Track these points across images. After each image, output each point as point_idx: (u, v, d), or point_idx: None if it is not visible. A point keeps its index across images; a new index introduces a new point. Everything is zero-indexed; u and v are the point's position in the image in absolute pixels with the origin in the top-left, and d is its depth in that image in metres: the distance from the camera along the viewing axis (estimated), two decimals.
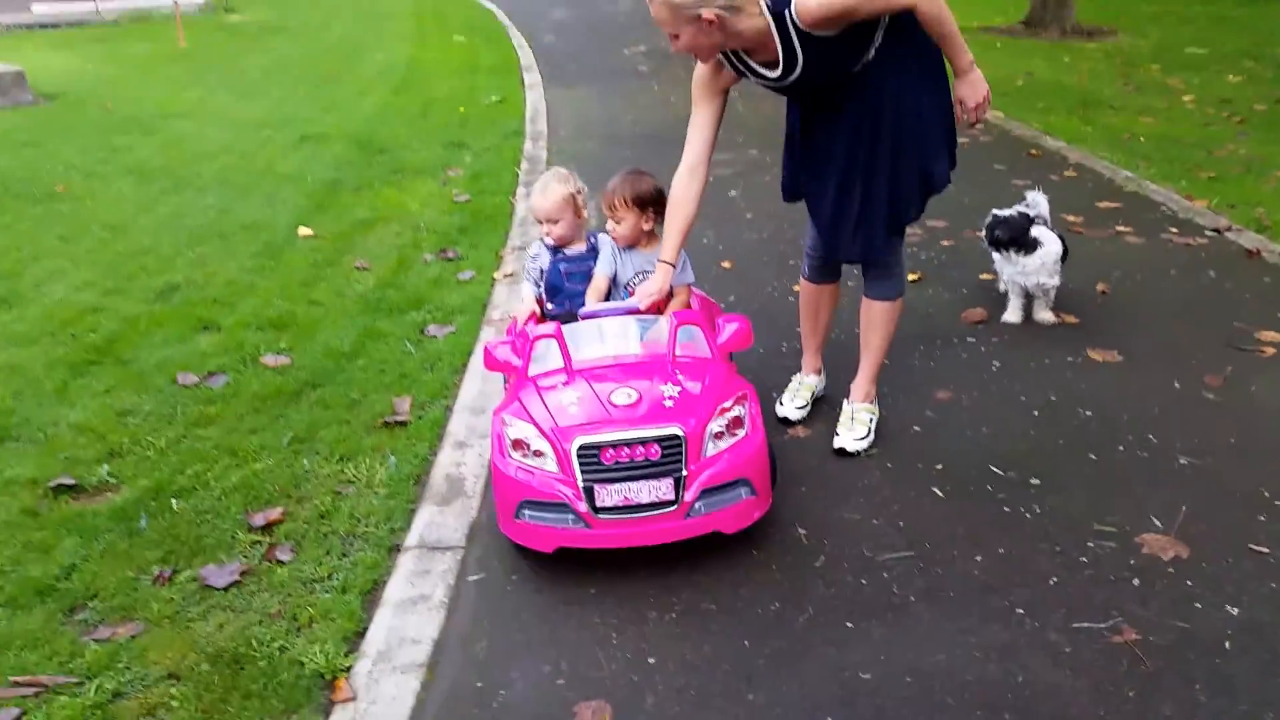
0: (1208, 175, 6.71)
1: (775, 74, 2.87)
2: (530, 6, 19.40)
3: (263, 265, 5.22)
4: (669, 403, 2.66)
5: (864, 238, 3.16)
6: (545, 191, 3.25)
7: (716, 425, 2.66)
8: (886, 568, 2.71)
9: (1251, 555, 2.73)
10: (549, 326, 2.94)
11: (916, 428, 3.45)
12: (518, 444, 2.69)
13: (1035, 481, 3.09)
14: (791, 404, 3.50)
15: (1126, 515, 2.91)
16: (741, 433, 2.72)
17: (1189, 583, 2.62)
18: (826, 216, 3.21)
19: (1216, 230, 5.53)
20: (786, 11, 2.67)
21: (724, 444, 2.68)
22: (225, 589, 2.73)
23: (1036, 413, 3.54)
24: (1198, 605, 2.54)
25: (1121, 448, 3.29)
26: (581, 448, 2.58)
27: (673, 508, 2.60)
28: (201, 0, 16.01)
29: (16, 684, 2.40)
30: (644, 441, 2.58)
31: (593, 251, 3.34)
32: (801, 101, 3.14)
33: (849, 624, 2.51)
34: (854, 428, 3.30)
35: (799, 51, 2.77)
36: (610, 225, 3.25)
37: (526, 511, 2.67)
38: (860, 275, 3.42)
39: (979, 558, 2.74)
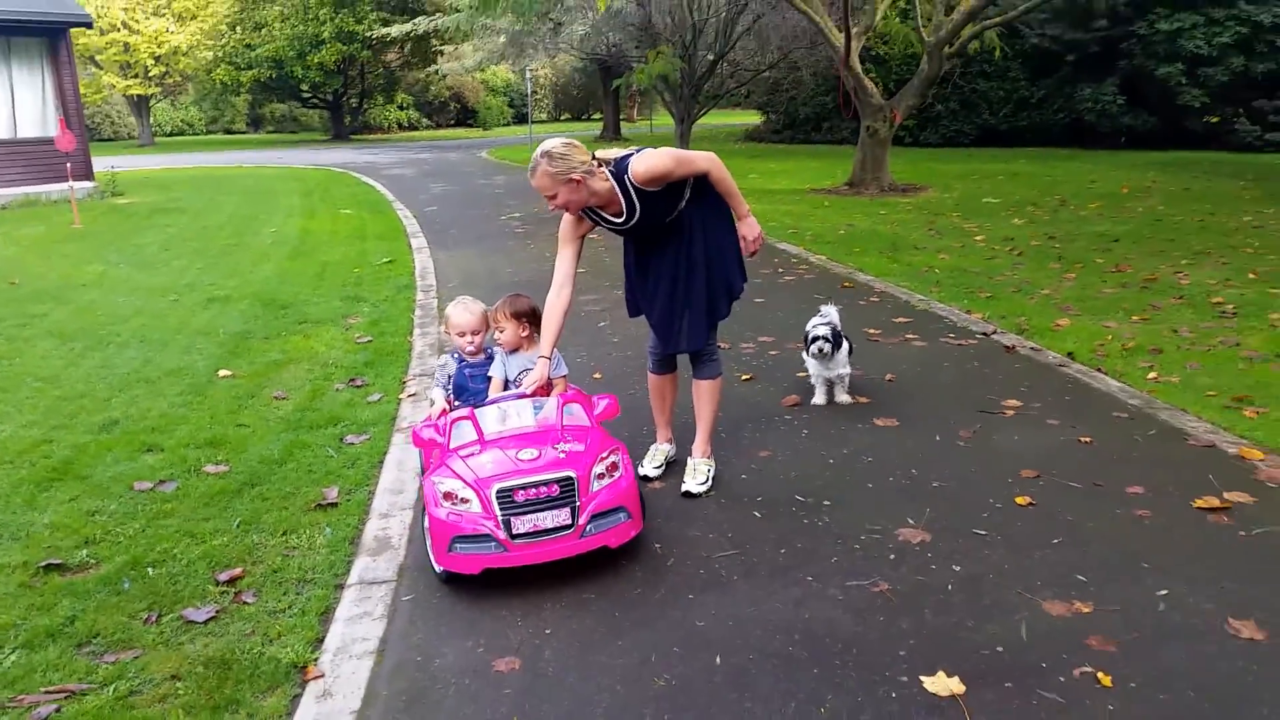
0: (986, 295, 8.26)
1: (620, 220, 4.06)
2: (410, 183, 20.91)
3: (190, 401, 5.96)
4: (562, 455, 3.55)
5: (690, 334, 4.30)
6: (469, 310, 4.29)
7: (599, 468, 3.56)
8: (717, 561, 3.68)
9: (974, 536, 3.82)
10: (464, 410, 3.82)
11: (744, 475, 4.49)
12: (448, 495, 3.50)
13: (826, 503, 4.15)
14: (650, 465, 4.50)
15: (890, 519, 3.98)
16: (618, 474, 3.62)
17: (928, 555, 3.68)
18: (662, 323, 4.35)
19: (984, 334, 6.95)
20: (625, 176, 3.89)
21: (605, 481, 3.57)
22: (205, 622, 3.45)
23: (832, 461, 4.65)
24: (933, 567, 3.59)
25: (891, 479, 4.40)
26: (499, 491, 3.42)
27: (570, 530, 3.46)
28: (90, 185, 16.73)
29: (48, 692, 3.07)
30: (546, 483, 3.44)
31: (489, 359, 4.37)
32: (637, 241, 4.33)
33: (690, 596, 3.44)
34: (696, 475, 4.32)
35: (636, 203, 3.95)
36: (495, 334, 4.26)
37: (458, 545, 3.44)
38: (689, 366, 4.51)
39: (783, 551, 3.74)
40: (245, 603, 3.58)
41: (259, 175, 24.70)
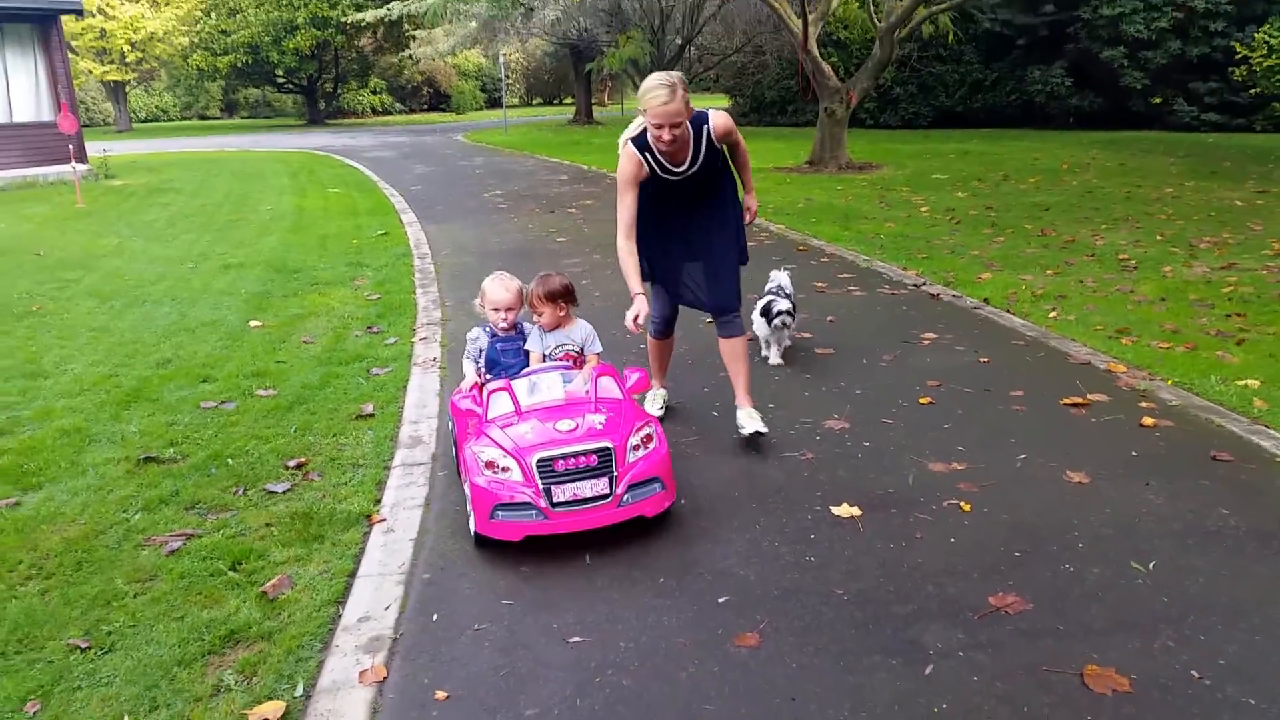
0: (923, 256, 9.33)
1: (681, 170, 4.33)
2: (392, 164, 21.73)
3: (229, 345, 6.90)
4: (599, 425, 3.66)
5: (733, 290, 4.64)
6: (506, 287, 4.28)
7: (635, 440, 3.66)
8: (685, 444, 4.71)
9: (882, 424, 4.88)
10: (500, 382, 3.95)
11: (706, 389, 5.52)
12: (489, 464, 3.61)
13: (770, 405, 5.18)
14: (653, 406, 5.38)
15: (819, 415, 5.03)
16: (652, 445, 3.74)
17: (846, 436, 4.73)
18: (712, 277, 4.57)
19: (915, 285, 8.02)
20: (706, 126, 4.28)
21: (641, 453, 3.67)
22: (283, 492, 4.42)
23: (776, 378, 5.70)
24: (848, 443, 4.64)
25: (823, 389, 5.45)
26: (539, 460, 3.53)
27: (608, 499, 3.56)
28: (85, 168, 17.44)
29: (173, 535, 4.04)
30: (585, 453, 3.54)
31: (520, 334, 4.39)
32: (677, 199, 4.46)
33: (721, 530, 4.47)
34: (754, 418, 4.60)
35: (701, 154, 4.35)
36: (535, 318, 4.32)
37: (499, 513, 3.55)
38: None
39: (733, 436, 4.76)
40: (313, 480, 4.55)
41: (244, 159, 25.40)
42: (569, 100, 52.20)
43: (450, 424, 4.48)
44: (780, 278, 6.12)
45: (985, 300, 7.43)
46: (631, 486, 3.62)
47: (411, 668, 3.04)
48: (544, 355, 4.30)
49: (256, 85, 50.80)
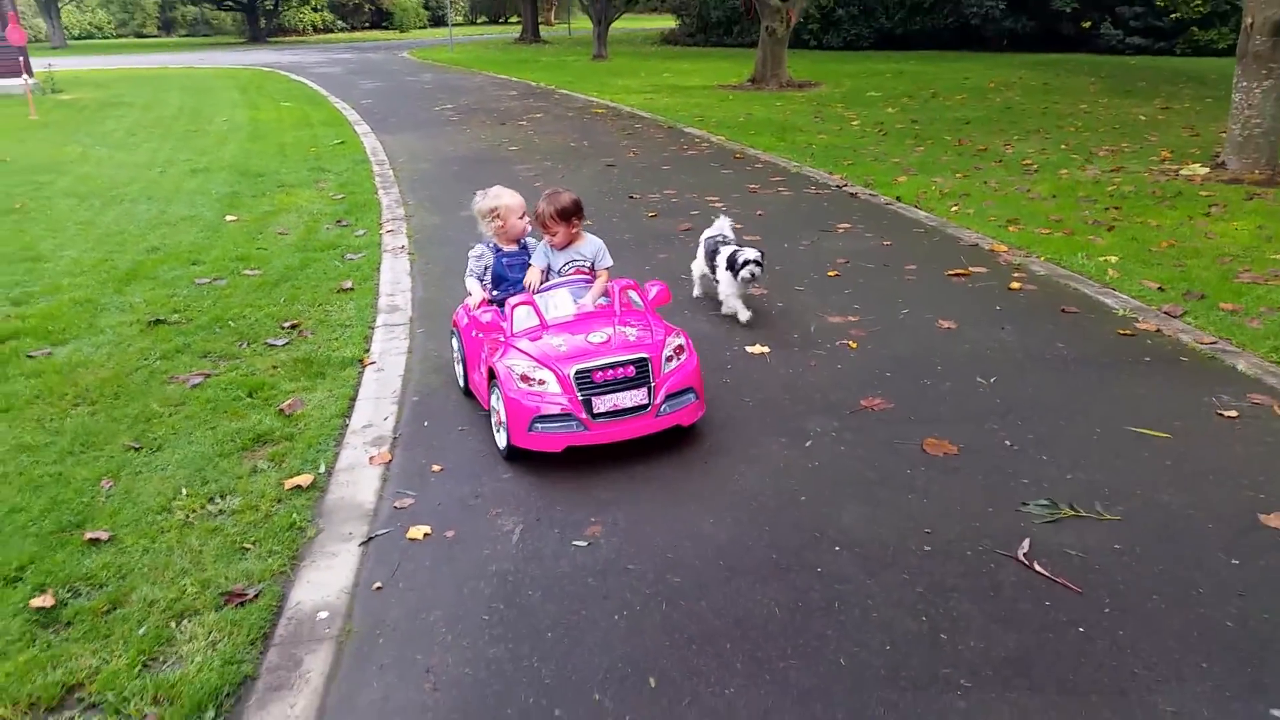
0: (849, 163, 10.14)
1: None
2: (340, 80, 21.86)
3: (210, 235, 7.51)
4: (633, 337, 3.69)
5: None
6: (511, 195, 4.29)
7: (668, 351, 3.71)
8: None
9: (794, 290, 5.73)
10: (523, 296, 3.92)
11: (648, 266, 6.31)
12: (524, 378, 3.58)
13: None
14: None
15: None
16: (684, 357, 3.77)
17: (764, 299, 5.58)
18: None
19: (838, 186, 8.86)
20: None
21: (674, 364, 3.71)
22: (283, 345, 5.15)
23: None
24: (765, 304, 5.49)
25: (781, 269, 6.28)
26: (578, 372, 3.53)
27: (647, 409, 3.59)
28: (32, 81, 17.40)
29: (194, 374, 4.77)
30: (623, 364, 3.56)
31: (524, 250, 4.34)
32: None
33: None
34: None
35: None
36: (546, 237, 4.23)
37: (539, 425, 3.54)
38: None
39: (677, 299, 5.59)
40: (307, 337, 5.29)
41: (190, 75, 25.22)
42: (515, 19, 51.63)
43: (456, 343, 4.41)
44: (722, 225, 5.58)
45: (898, 198, 8.30)
46: (669, 397, 3.65)
47: (411, 454, 3.86)
48: (555, 271, 4.23)
49: (194, 2, 49.39)
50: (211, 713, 2.49)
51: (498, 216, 4.28)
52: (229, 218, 8.04)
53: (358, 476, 3.70)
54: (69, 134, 13.27)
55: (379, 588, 2.99)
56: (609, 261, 4.28)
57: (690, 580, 2.94)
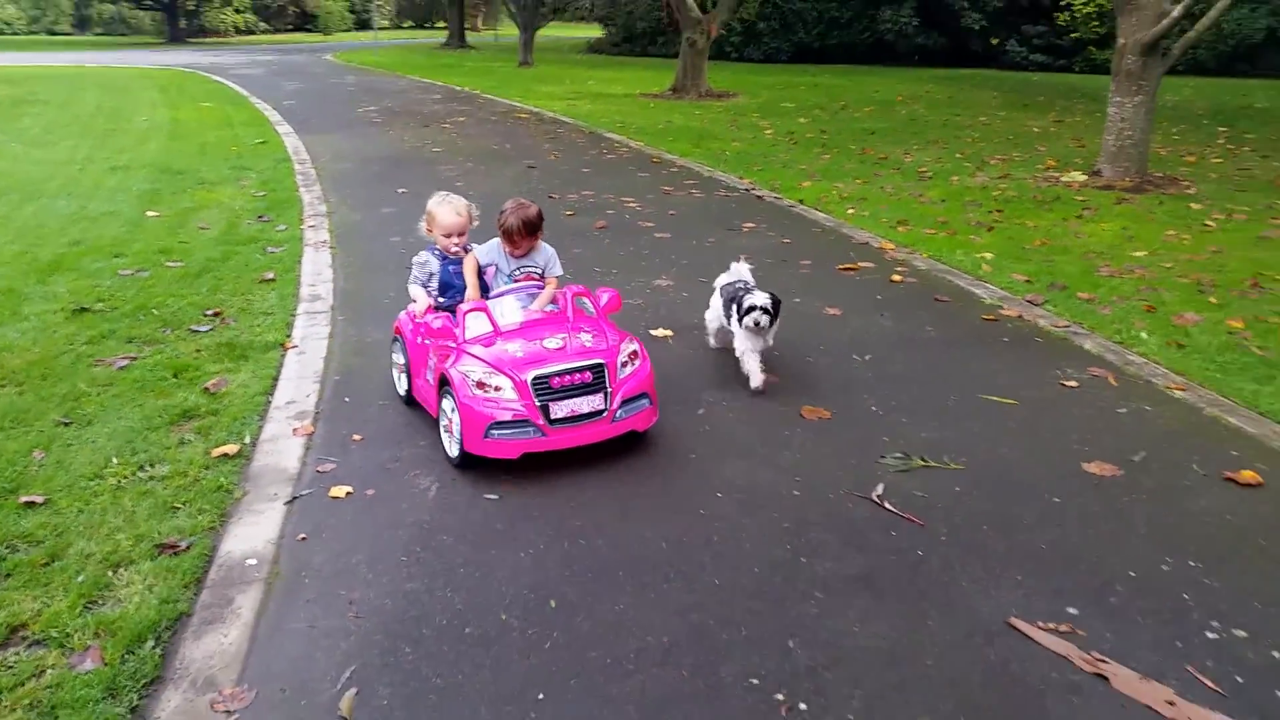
0: (758, 169, 10.65)
1: None
2: (262, 82, 21.75)
3: (132, 230, 7.62)
4: (589, 343, 3.71)
5: None
6: (457, 211, 4.18)
7: (623, 356, 3.72)
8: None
9: (699, 282, 6.14)
10: (475, 303, 3.91)
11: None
12: (480, 384, 3.57)
13: (614, 271, 6.38)
14: None
15: (650, 276, 6.26)
16: (638, 362, 3.79)
17: (670, 292, 5.97)
18: None
19: (746, 189, 9.34)
20: None
21: (629, 369, 3.73)
22: (207, 331, 5.36)
23: (621, 253, 6.89)
24: (671, 294, 5.88)
25: (658, 261, 6.70)
26: (535, 378, 3.53)
27: (604, 415, 3.61)
28: None
29: (119, 358, 4.95)
30: (579, 370, 3.58)
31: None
32: None
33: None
34: None
35: None
36: (507, 249, 4.16)
37: (494, 432, 3.52)
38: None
39: (597, 267, 5.95)
40: (230, 323, 5.50)
41: (108, 74, 24.73)
42: (441, 24, 51.52)
43: (400, 351, 4.34)
44: (740, 270, 4.95)
45: (800, 201, 8.82)
46: (624, 402, 3.67)
47: (332, 426, 4.14)
48: (506, 276, 4.19)
49: (112, 0, 48.18)
50: (151, 643, 2.75)
51: (430, 230, 4.27)
52: (150, 213, 8.15)
53: (281, 446, 3.97)
54: None
55: (303, 538, 3.28)
56: (559, 270, 4.30)
57: (589, 523, 3.30)
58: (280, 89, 19.89)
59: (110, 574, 3.07)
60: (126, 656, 2.69)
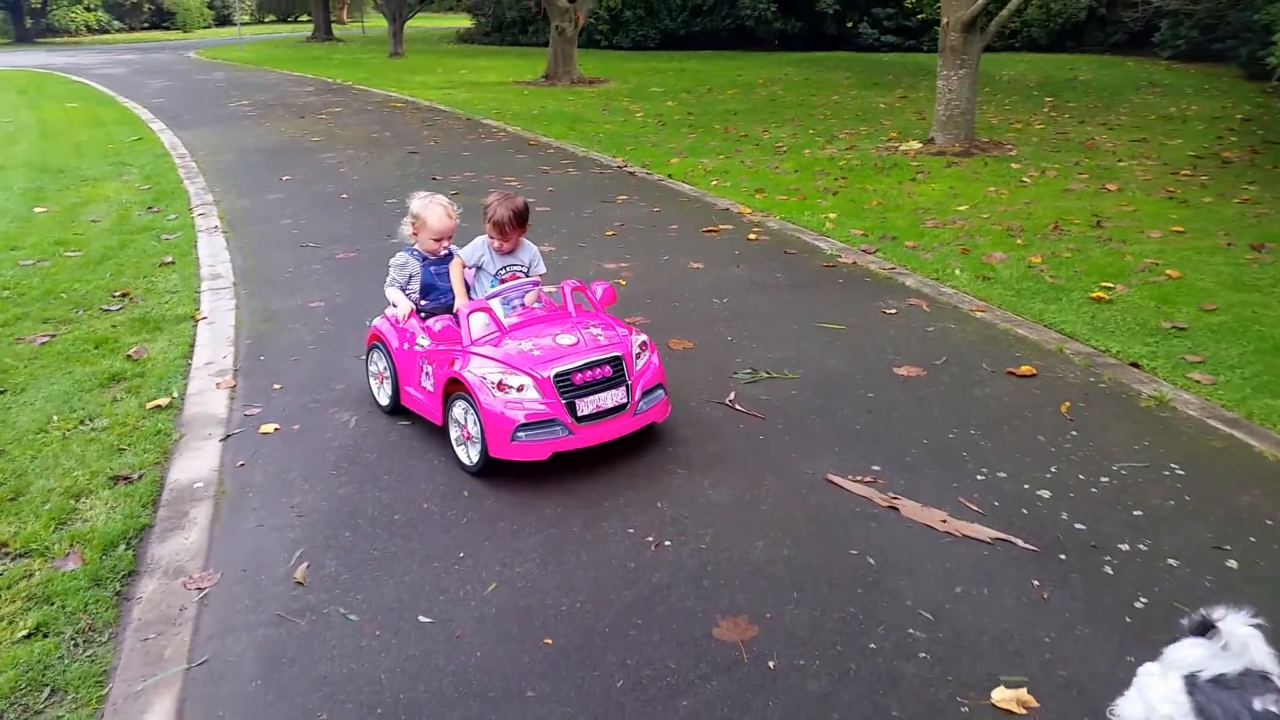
0: (630, 148, 11.35)
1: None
2: (126, 80, 21.28)
3: (22, 225, 7.78)
4: (602, 338, 3.63)
5: None
6: (448, 213, 4.05)
7: (635, 348, 3.69)
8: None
9: (578, 247, 6.81)
10: (477, 302, 3.77)
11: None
12: (500, 385, 3.45)
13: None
14: None
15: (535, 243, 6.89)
16: (649, 354, 3.78)
17: (553, 256, 6.61)
18: None
19: (619, 167, 10.04)
20: None
21: (642, 360, 3.71)
22: (117, 310, 5.72)
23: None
24: (554, 259, 6.53)
25: (539, 231, 7.28)
26: (557, 374, 3.44)
27: (626, 408, 3.57)
28: None
29: (39, 335, 5.29)
30: (599, 364, 3.51)
31: (449, 257, 4.14)
32: None
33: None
34: None
35: None
36: (496, 242, 4.06)
37: (521, 434, 3.41)
38: None
39: None
40: (138, 302, 5.87)
41: None
42: (305, 18, 50.53)
43: (381, 359, 4.15)
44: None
45: (669, 175, 9.57)
46: (644, 394, 3.65)
47: (252, 379, 4.64)
48: (491, 275, 4.11)
49: None
50: (123, 547, 3.26)
51: (415, 233, 4.13)
52: (38, 209, 8.30)
53: (208, 398, 4.46)
54: None
55: (242, 465, 3.81)
56: (543, 268, 4.24)
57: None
58: (147, 87, 19.55)
59: (74, 502, 3.54)
60: (103, 557, 3.19)
